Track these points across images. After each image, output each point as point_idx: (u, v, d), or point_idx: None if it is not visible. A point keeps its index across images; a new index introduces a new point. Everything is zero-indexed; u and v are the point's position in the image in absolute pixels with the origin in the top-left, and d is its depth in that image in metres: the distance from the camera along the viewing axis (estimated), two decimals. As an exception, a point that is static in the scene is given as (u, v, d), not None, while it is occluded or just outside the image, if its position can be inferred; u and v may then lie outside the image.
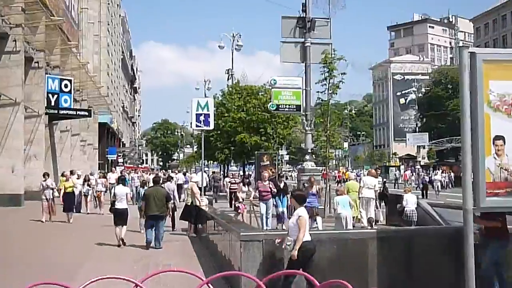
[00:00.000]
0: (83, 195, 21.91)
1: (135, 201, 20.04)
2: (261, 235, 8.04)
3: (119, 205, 13.53)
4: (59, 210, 18.64)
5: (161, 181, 15.28)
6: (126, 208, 13.59)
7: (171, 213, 14.80)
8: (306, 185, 15.40)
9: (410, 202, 16.48)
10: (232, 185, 29.33)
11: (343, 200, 14.84)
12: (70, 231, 16.58)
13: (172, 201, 14.60)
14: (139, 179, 29.30)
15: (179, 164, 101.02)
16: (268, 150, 29.34)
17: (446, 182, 45.32)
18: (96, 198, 22.60)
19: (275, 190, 16.53)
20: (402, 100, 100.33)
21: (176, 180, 34.48)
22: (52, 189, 18.47)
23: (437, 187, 37.10)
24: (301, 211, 7.40)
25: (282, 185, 15.99)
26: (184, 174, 37.71)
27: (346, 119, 31.57)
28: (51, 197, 18.25)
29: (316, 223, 14.84)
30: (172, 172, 47.31)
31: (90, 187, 22.26)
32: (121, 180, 14.64)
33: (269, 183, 16.49)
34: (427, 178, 39.71)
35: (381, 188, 18.63)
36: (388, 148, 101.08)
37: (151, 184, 15.16)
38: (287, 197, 15.98)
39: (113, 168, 36.86)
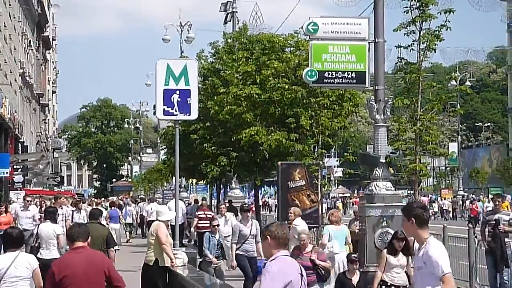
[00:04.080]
0: None
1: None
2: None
3: (45, 254, 14.37)
4: None
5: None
6: None
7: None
8: None
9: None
10: (201, 221, 29.64)
11: (340, 233, 16.18)
12: None
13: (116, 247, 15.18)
14: (67, 217, 28.80)
15: (134, 186, 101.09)
16: (303, 159, 29.33)
17: None
18: None
19: (325, 266, 15.96)
20: None
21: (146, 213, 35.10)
22: None
23: None
24: None
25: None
26: (136, 202, 37.86)
27: (453, 97, 31.10)
28: None
29: None
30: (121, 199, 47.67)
31: None
32: (49, 214, 15.74)
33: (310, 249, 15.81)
34: None
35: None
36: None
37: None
38: None
39: None
